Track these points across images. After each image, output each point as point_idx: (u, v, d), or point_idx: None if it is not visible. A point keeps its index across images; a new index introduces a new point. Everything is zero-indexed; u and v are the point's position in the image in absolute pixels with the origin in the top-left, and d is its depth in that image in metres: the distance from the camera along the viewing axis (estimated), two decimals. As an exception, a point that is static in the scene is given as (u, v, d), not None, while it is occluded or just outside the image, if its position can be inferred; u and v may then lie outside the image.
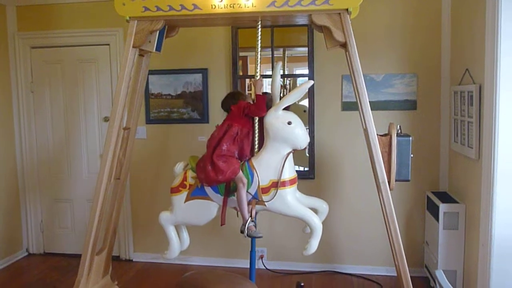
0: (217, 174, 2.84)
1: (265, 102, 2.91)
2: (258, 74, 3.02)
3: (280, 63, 3.06)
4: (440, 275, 1.97)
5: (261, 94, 2.93)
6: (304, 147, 2.98)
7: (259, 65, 3.02)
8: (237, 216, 3.05)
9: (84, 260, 3.09)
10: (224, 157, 2.88)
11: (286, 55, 4.35)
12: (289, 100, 2.88)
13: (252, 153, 3.06)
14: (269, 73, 4.17)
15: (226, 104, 3.09)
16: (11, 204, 4.71)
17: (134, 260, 4.66)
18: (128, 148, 3.32)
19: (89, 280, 3.19)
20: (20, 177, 4.80)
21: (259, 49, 3.01)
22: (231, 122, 2.96)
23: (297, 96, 2.90)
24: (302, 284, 2.37)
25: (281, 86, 4.40)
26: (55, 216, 4.84)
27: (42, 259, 4.76)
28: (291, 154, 2.96)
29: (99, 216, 3.06)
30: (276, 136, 2.90)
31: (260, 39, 3.01)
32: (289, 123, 2.88)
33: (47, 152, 4.78)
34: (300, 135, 2.91)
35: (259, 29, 3.01)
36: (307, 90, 2.91)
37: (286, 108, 2.95)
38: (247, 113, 2.96)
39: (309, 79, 4.12)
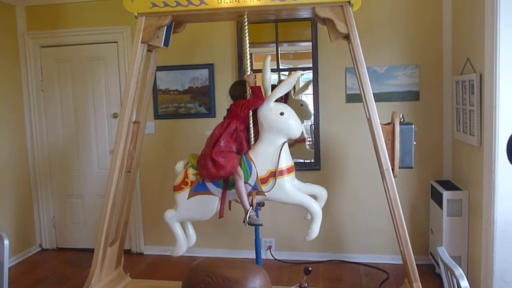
0: (218, 170, 2.93)
1: (261, 91, 3.02)
2: (248, 69, 3.14)
3: (269, 57, 3.12)
4: (442, 251, 2.03)
5: (255, 85, 3.05)
6: (297, 136, 3.08)
7: (248, 60, 3.16)
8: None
9: (98, 250, 3.18)
10: (223, 153, 2.97)
11: (279, 51, 4.33)
12: (279, 92, 2.99)
13: (249, 146, 3.15)
14: (275, 67, 4.25)
15: (236, 92, 3.22)
16: (24, 200, 4.81)
17: (145, 253, 4.76)
18: (138, 142, 3.41)
19: (103, 271, 3.28)
20: (32, 174, 4.90)
21: (247, 45, 3.15)
22: (230, 120, 3.07)
23: (287, 87, 3.01)
24: (310, 268, 2.43)
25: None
26: (67, 212, 4.94)
27: (55, 254, 4.86)
28: (287, 143, 3.06)
29: (111, 207, 3.15)
30: (271, 127, 3.00)
31: (248, 33, 3.14)
32: (282, 113, 2.98)
33: (58, 149, 4.86)
34: (293, 124, 3.01)
35: (246, 24, 3.13)
36: (295, 81, 3.01)
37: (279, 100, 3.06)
38: (248, 108, 3.05)
39: (313, 72, 4.20)
